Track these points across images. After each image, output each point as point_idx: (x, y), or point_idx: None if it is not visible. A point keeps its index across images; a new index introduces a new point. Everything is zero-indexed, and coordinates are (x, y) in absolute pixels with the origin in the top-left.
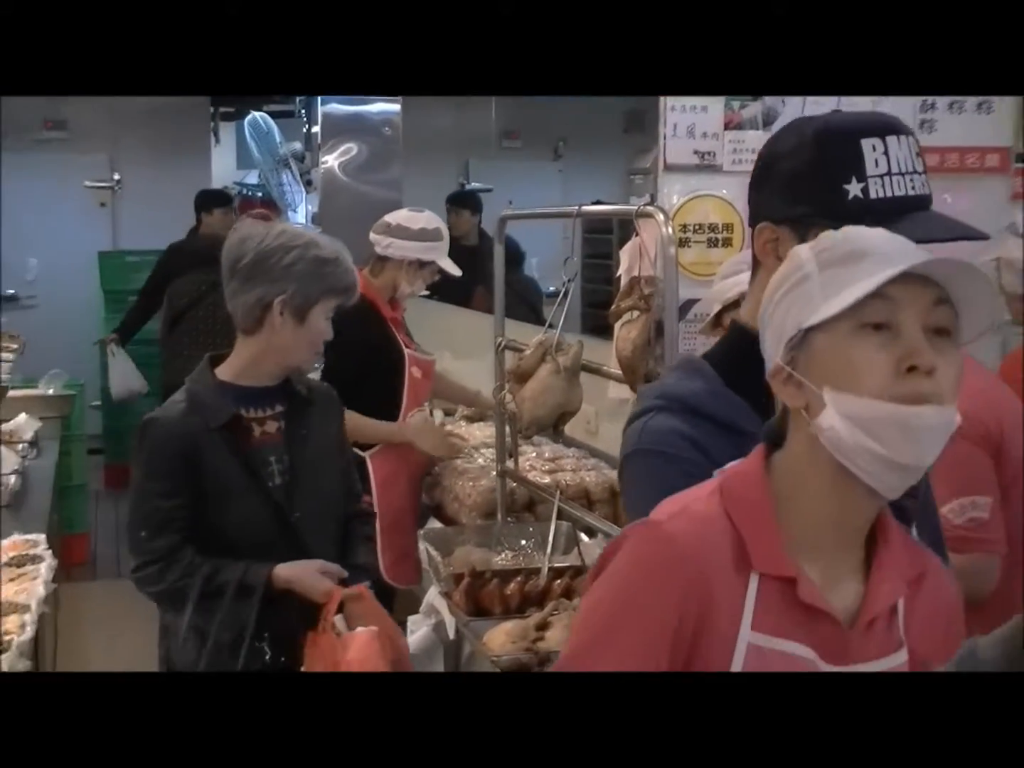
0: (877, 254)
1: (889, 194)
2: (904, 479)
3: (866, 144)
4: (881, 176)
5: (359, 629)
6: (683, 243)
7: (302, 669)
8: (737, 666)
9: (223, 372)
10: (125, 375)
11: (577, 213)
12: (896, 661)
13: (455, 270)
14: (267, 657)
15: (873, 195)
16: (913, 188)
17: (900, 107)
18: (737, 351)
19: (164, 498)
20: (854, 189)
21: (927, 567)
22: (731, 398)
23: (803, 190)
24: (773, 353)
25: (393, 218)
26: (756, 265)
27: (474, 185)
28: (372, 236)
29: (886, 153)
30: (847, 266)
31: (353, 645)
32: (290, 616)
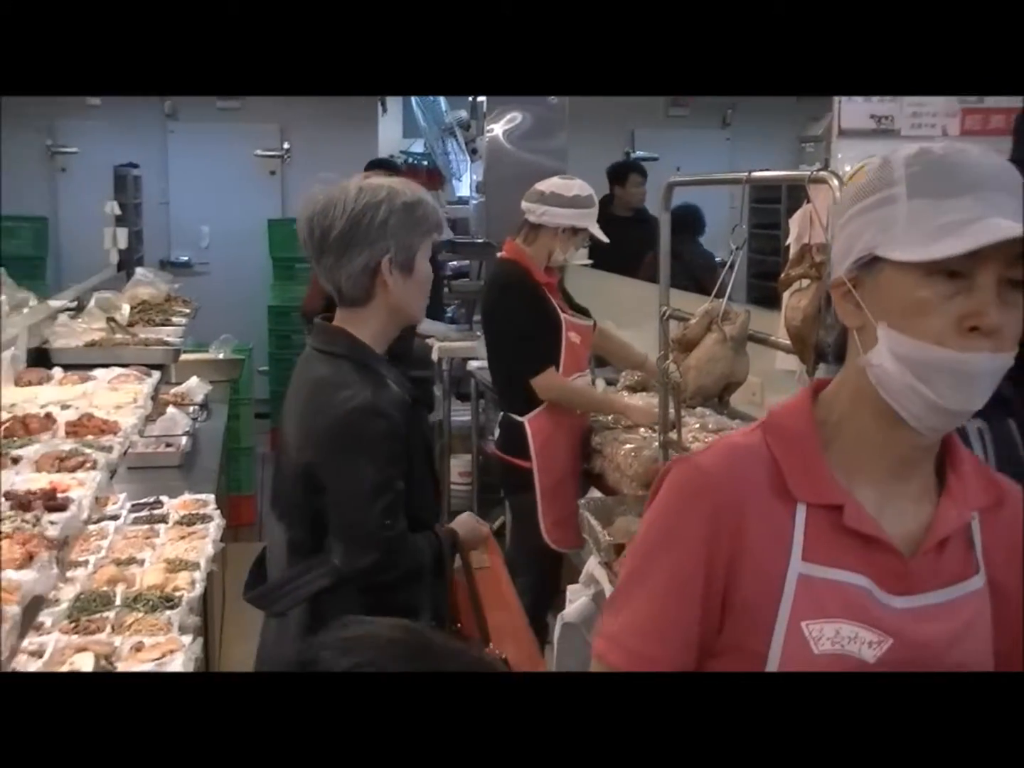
0: (977, 193)
1: None
2: (948, 422)
3: None
4: None
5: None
6: None
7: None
8: (787, 598)
9: None
10: None
11: (747, 180)
12: (969, 588)
13: (604, 237)
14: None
15: None
16: None
17: None
18: None
19: (400, 480)
20: None
21: (1005, 496)
22: None
23: None
24: (839, 262)
25: (546, 186)
26: None
27: (639, 154)
28: (525, 205)
29: None
30: (941, 200)
31: (504, 573)
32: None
